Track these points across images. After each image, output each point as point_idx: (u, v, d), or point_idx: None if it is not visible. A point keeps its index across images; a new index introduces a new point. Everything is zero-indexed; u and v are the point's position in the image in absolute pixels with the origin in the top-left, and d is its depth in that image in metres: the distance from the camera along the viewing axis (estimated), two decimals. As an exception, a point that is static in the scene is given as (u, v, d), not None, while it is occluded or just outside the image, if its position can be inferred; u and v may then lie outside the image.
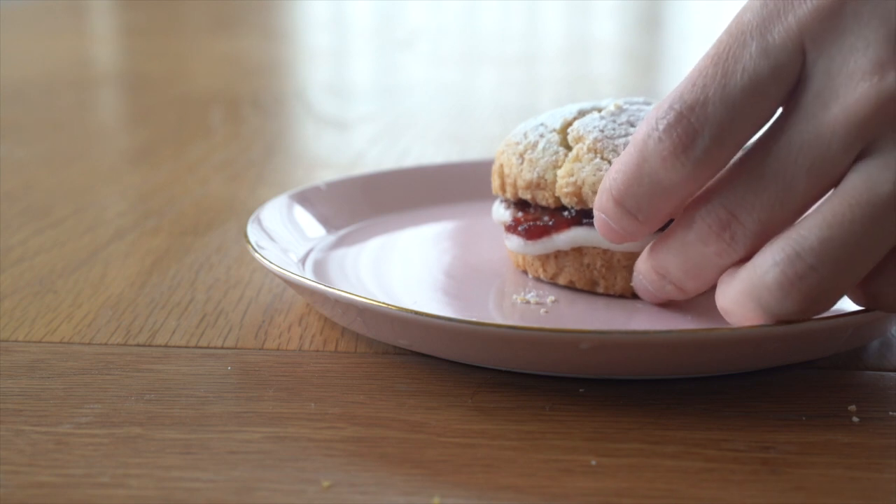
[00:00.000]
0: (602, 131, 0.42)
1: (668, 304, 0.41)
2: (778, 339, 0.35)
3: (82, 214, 0.59)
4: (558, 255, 0.43)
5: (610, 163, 0.41)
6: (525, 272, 0.46)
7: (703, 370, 0.36)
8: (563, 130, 0.44)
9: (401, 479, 0.31)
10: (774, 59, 0.34)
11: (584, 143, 0.42)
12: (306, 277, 0.39)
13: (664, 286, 0.38)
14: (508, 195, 0.46)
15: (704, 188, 0.36)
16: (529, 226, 0.43)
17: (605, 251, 0.42)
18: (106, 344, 0.40)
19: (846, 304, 0.42)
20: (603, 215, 0.37)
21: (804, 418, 0.34)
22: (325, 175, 0.68)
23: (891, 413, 0.35)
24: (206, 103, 0.95)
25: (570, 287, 0.44)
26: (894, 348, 0.40)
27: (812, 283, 0.32)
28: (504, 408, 0.35)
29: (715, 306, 0.42)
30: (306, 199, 0.51)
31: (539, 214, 0.44)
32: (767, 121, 0.35)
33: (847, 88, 0.33)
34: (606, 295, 0.43)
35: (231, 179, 0.67)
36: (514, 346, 0.35)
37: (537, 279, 0.45)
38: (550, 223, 0.43)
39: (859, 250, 0.32)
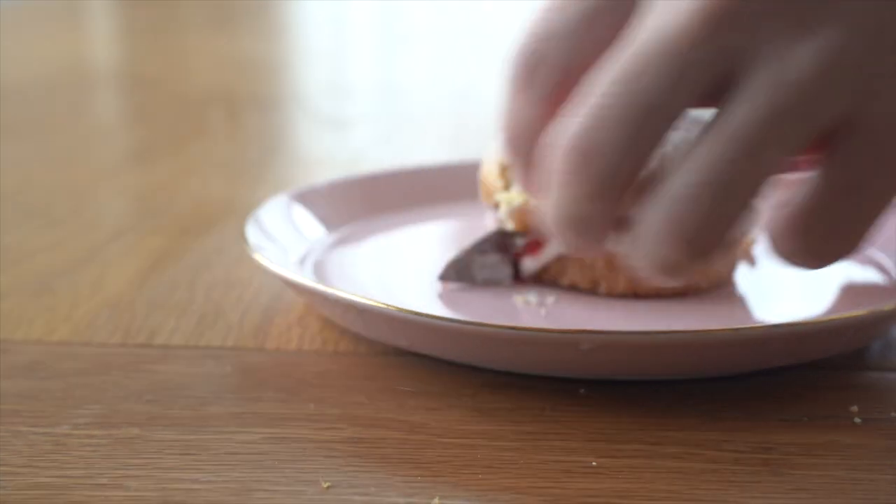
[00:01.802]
0: None
1: (668, 305, 0.41)
2: (779, 340, 0.35)
3: (81, 214, 0.59)
4: (560, 257, 0.43)
5: None
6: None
7: (704, 371, 0.36)
8: None
9: (401, 480, 0.31)
10: None
11: None
12: (306, 278, 0.39)
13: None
14: (492, 203, 0.46)
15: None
16: (528, 242, 0.43)
17: (607, 252, 0.42)
18: (105, 344, 0.40)
19: (847, 305, 0.42)
20: None
21: (806, 419, 0.34)
22: (325, 175, 0.68)
23: (893, 414, 0.35)
24: (205, 103, 0.95)
25: (572, 288, 0.44)
26: (896, 349, 0.40)
27: (691, 227, 0.29)
28: (504, 409, 0.35)
29: (714, 308, 0.42)
30: (306, 198, 0.51)
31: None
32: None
33: None
34: (607, 295, 0.43)
35: (230, 179, 0.67)
36: (515, 346, 0.35)
37: (538, 279, 0.44)
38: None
39: (736, 183, 0.29)
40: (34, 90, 1.01)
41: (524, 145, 0.32)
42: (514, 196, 0.43)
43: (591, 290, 0.43)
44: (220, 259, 0.50)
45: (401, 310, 0.36)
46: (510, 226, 0.44)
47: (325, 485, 0.30)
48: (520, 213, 0.43)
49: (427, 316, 0.35)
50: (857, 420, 0.34)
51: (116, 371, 0.38)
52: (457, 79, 1.13)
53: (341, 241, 0.49)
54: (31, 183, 0.66)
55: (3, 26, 1.53)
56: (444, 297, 0.43)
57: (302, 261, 0.46)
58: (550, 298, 0.43)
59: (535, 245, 0.43)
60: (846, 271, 0.46)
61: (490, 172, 0.46)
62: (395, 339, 0.38)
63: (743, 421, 0.34)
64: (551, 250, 0.43)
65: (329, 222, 0.51)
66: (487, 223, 0.47)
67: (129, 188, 0.66)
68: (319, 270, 0.45)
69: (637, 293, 0.43)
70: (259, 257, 0.41)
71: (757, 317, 0.41)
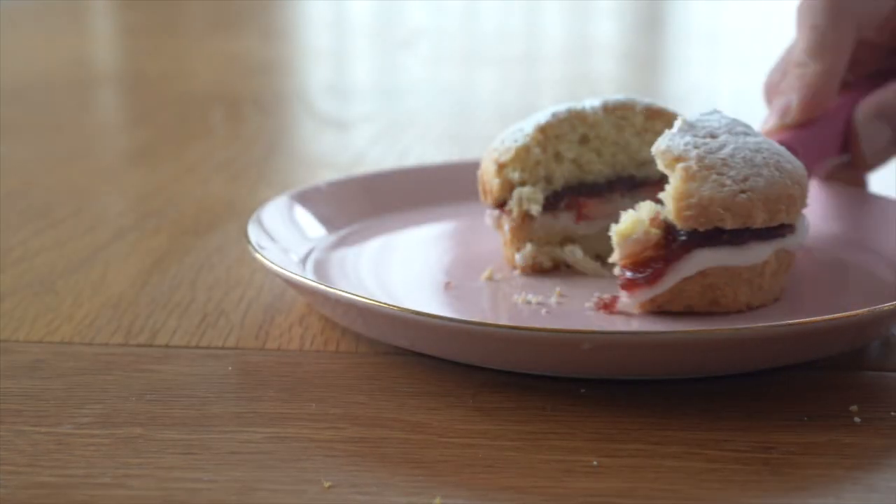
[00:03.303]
0: (698, 148, 0.40)
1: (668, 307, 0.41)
2: (779, 340, 0.35)
3: (82, 214, 0.59)
4: (683, 280, 0.40)
5: (727, 177, 0.39)
6: (523, 273, 0.45)
7: (705, 370, 0.36)
8: (536, 134, 0.45)
9: (402, 480, 0.31)
10: None
11: (688, 163, 0.40)
12: (307, 278, 0.39)
13: None
14: (489, 202, 0.46)
15: None
16: (650, 272, 0.40)
17: (728, 267, 0.40)
18: (106, 344, 0.40)
19: (848, 305, 0.42)
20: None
21: (806, 419, 0.34)
22: (325, 175, 0.68)
23: (892, 413, 0.35)
24: (206, 103, 0.95)
25: (688, 311, 0.40)
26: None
27: None
28: (505, 408, 0.35)
29: (714, 307, 0.42)
30: (307, 199, 0.51)
31: (647, 256, 0.40)
32: None
33: None
34: (725, 313, 0.40)
35: (231, 179, 0.67)
36: (516, 346, 0.35)
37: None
38: (663, 255, 0.40)
39: None
40: (34, 90, 1.01)
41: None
42: (628, 226, 0.40)
43: (707, 309, 0.40)
44: (222, 259, 0.50)
45: (402, 309, 0.36)
46: (617, 256, 0.40)
47: (327, 484, 0.30)
48: (634, 243, 0.40)
49: (428, 316, 0.35)
50: (857, 420, 0.34)
51: (118, 371, 0.38)
52: (457, 79, 1.13)
53: (342, 241, 0.49)
54: (32, 183, 0.66)
55: (3, 26, 1.53)
56: (445, 297, 0.43)
57: (303, 261, 0.46)
58: (551, 299, 0.43)
59: (657, 275, 0.40)
60: (846, 271, 0.46)
61: (486, 171, 0.46)
62: (395, 339, 0.38)
63: (743, 420, 0.34)
64: (677, 275, 0.40)
65: (330, 222, 0.51)
66: (487, 222, 0.47)
67: (129, 188, 0.66)
68: (320, 270, 0.45)
69: (752, 306, 0.41)
70: (260, 257, 0.41)
71: (757, 317, 0.41)
